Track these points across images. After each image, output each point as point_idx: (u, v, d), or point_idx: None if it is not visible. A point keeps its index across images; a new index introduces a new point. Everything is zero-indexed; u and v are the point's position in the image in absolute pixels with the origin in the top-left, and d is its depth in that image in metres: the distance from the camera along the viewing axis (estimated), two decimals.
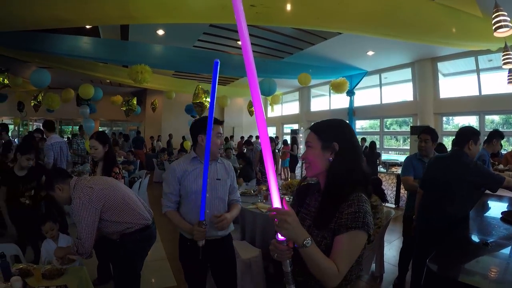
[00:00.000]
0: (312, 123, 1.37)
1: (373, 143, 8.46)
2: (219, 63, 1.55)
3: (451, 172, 2.52)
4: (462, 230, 2.22)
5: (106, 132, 12.73)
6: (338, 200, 1.17)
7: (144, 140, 12.32)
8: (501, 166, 5.25)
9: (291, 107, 15.70)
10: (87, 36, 7.21)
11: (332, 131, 1.26)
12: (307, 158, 1.28)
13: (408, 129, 10.51)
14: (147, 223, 2.31)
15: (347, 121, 11.07)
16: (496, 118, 8.94)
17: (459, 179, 2.46)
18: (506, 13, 3.65)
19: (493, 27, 3.71)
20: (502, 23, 3.61)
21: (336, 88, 9.23)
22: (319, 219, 1.20)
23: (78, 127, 12.44)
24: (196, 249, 1.95)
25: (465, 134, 2.61)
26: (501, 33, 3.66)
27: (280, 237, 1.05)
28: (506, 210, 2.58)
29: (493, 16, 3.72)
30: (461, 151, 2.59)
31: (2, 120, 13.66)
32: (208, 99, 8.26)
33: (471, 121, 8.92)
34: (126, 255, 2.27)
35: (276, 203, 1.03)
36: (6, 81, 8.09)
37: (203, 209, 1.83)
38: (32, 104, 11.32)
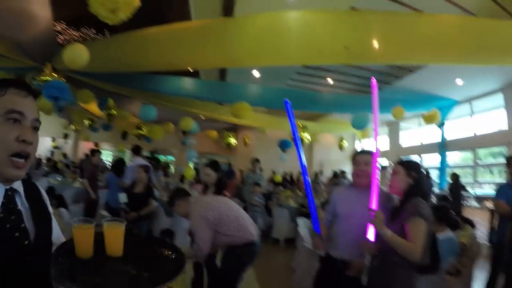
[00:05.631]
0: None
1: (455, 175, 7.99)
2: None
3: None
4: None
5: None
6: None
7: (234, 172, 13.24)
8: None
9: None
10: (189, 77, 8.24)
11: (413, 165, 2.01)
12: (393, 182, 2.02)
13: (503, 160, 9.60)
14: (252, 239, 2.57)
15: (439, 154, 10.49)
16: None
17: None
18: None
19: None
20: None
21: (428, 119, 9.04)
22: (393, 215, 1.91)
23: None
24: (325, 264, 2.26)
25: None
26: None
27: (368, 238, 1.85)
28: None
29: None
30: None
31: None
32: (305, 134, 8.70)
33: None
34: (228, 267, 2.61)
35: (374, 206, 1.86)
36: (114, 112, 9.78)
37: (316, 222, 2.12)
38: (135, 133, 12.98)
